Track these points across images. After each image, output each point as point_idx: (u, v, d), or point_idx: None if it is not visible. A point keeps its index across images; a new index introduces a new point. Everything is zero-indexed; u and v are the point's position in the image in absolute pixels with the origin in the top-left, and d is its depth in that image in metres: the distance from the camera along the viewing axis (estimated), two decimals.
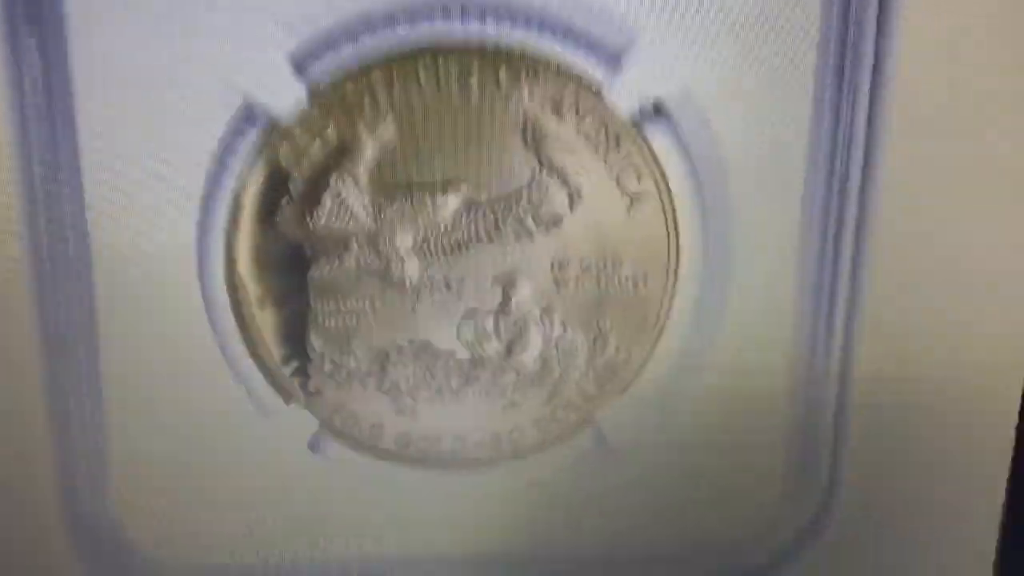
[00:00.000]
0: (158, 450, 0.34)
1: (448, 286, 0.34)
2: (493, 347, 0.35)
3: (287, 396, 0.35)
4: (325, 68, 0.31)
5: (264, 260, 0.33)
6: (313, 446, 0.35)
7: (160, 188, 0.32)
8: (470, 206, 0.33)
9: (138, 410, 0.34)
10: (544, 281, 0.34)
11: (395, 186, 0.33)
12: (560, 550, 0.38)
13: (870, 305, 0.36)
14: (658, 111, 0.33)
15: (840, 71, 0.33)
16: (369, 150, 0.32)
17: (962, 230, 0.35)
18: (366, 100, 0.32)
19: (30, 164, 0.31)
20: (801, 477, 0.38)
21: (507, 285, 0.34)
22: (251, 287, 0.33)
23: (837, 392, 0.37)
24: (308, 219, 0.33)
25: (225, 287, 0.33)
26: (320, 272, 0.33)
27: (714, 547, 0.38)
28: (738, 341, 0.36)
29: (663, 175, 0.34)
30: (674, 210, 0.34)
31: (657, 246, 0.34)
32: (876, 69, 0.33)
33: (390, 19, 0.31)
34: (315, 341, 0.34)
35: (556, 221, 0.34)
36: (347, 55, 0.31)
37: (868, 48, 0.33)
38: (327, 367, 0.34)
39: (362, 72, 0.32)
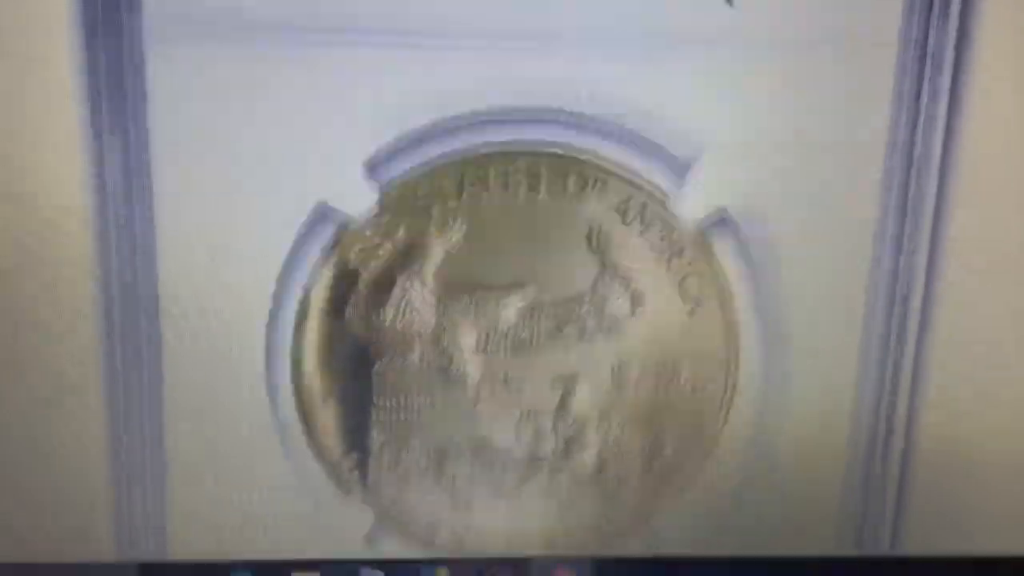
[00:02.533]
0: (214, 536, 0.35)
1: (508, 386, 0.35)
2: (550, 447, 0.35)
3: (345, 489, 0.35)
4: (397, 172, 0.32)
5: (330, 356, 0.34)
6: (369, 541, 0.36)
7: (235, 280, 0.33)
8: (533, 307, 0.34)
9: (198, 493, 0.34)
10: (603, 383, 0.35)
11: (461, 286, 0.34)
12: None
13: (930, 413, 0.36)
14: (722, 220, 0.34)
15: (906, 183, 0.34)
16: (437, 252, 0.33)
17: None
18: (436, 204, 0.33)
19: (109, 251, 0.32)
20: None
21: (567, 386, 0.35)
22: (316, 381, 0.34)
23: (895, 504, 0.37)
24: (375, 316, 0.33)
25: (291, 380, 0.34)
26: (384, 368, 0.34)
27: None
28: (797, 452, 0.36)
29: (725, 281, 0.34)
30: (735, 316, 0.34)
31: (717, 352, 0.35)
32: (942, 178, 0.34)
33: (462, 127, 0.32)
34: (376, 435, 0.34)
35: (617, 324, 0.34)
36: (419, 161, 0.32)
37: (934, 160, 0.34)
38: (386, 461, 0.35)
39: (433, 177, 0.32)
